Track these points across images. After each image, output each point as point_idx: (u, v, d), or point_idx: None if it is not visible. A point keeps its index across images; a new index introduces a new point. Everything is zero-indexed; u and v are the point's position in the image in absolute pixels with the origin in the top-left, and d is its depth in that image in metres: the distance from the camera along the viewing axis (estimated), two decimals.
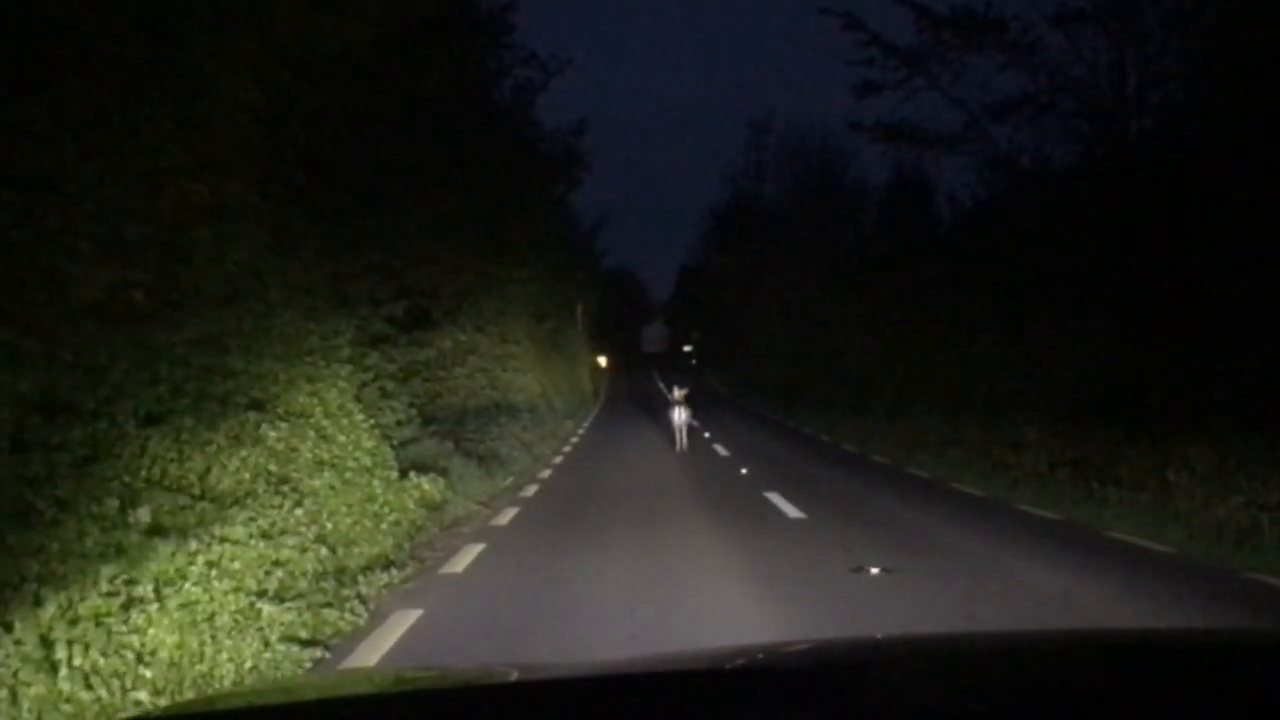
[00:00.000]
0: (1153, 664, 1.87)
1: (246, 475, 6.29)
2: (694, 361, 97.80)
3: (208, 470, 5.83)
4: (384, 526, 8.88)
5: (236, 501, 5.99)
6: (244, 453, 6.40)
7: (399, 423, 12.43)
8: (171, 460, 5.42)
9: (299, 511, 6.85)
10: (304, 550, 6.47)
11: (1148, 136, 17.72)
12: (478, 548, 9.77)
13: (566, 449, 22.89)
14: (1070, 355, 18.35)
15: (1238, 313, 14.54)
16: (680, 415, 22.19)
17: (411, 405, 15.77)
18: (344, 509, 8.13)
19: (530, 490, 14.87)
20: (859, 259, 40.29)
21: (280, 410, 7.82)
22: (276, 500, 6.61)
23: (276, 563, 6.09)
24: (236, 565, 5.44)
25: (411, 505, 9.99)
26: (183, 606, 4.64)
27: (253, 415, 6.77)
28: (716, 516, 12.03)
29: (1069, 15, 18.21)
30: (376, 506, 9.05)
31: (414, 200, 15.59)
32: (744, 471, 17.52)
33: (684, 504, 13.32)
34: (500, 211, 21.62)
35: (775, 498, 13.58)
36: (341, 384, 9.62)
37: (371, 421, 10.36)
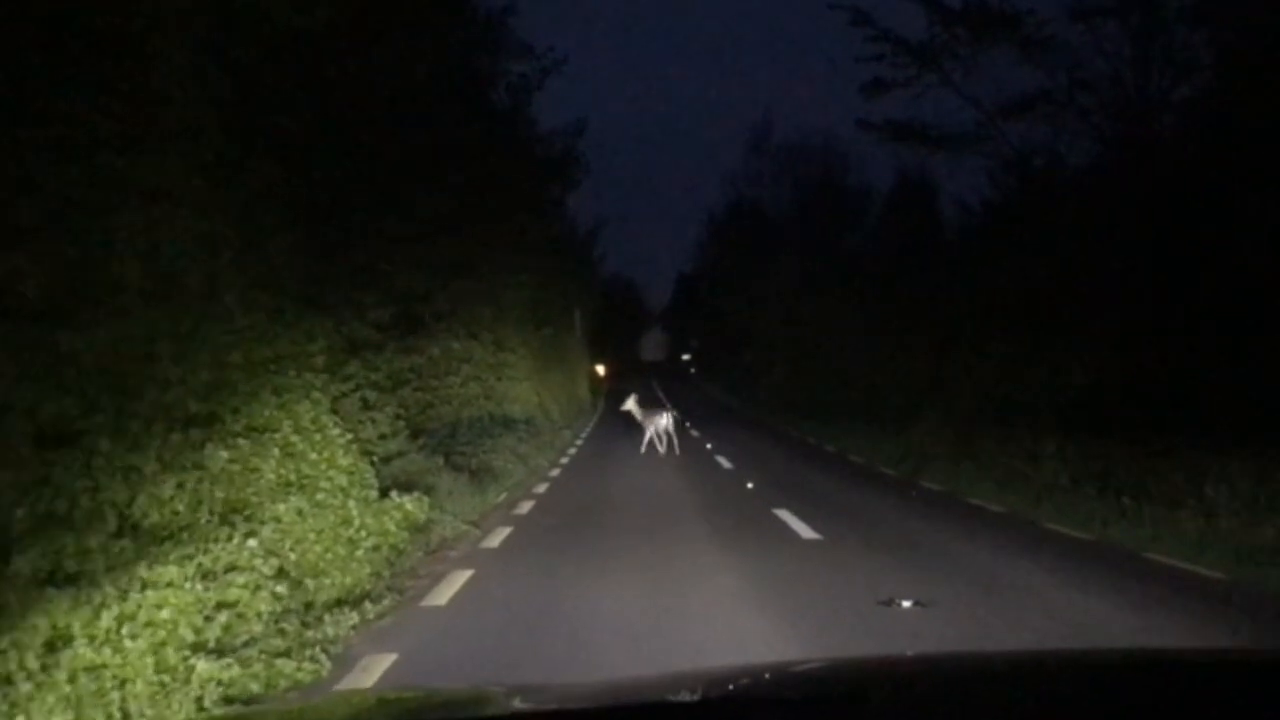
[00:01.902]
0: (1159, 682, 1.84)
1: (182, 505, 5.42)
2: (693, 370, 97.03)
3: (131, 501, 4.98)
4: (360, 553, 8.01)
5: (170, 536, 5.14)
6: (180, 478, 5.54)
7: (382, 436, 11.56)
8: (84, 491, 4.55)
9: (252, 543, 5.99)
10: (256, 589, 5.60)
11: (1175, 133, 16.88)
12: (465, 574, 8.91)
13: (564, 461, 22.01)
14: (1090, 364, 17.52)
15: (1275, 320, 13.72)
16: (663, 421, 22.64)
17: (399, 417, 14.90)
18: (312, 536, 7.27)
19: (525, 507, 13.99)
20: (862, 265, 39.50)
21: (240, 425, 6.96)
22: (223, 532, 5.76)
23: (222, 605, 5.24)
24: (165, 614, 4.59)
25: (393, 527, 9.11)
26: (85, 672, 3.79)
27: (195, 433, 5.90)
28: (725, 538, 11.16)
29: (1088, 8, 17.39)
30: (352, 531, 8.18)
31: (403, 200, 14.74)
32: (750, 486, 16.66)
33: (689, 522, 12.44)
34: (495, 214, 20.77)
35: (786, 515, 12.73)
36: (315, 395, 8.75)
37: (350, 436, 9.50)
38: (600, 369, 65.77)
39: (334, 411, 9.55)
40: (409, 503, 9.67)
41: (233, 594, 5.39)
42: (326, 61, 11.62)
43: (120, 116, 5.31)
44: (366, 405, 11.57)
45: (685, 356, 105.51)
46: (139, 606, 4.45)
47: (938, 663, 2.44)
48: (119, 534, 4.71)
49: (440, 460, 13.88)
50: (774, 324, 52.37)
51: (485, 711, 1.91)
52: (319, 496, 7.82)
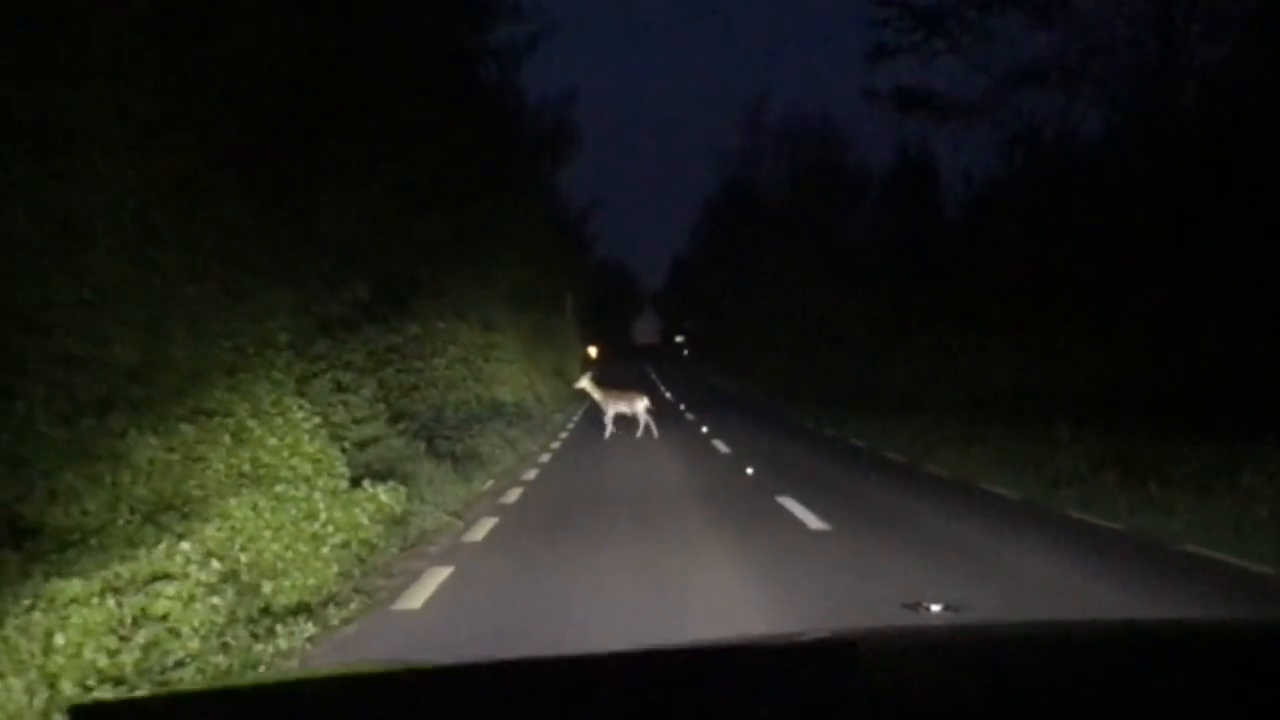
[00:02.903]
0: (1144, 653, 1.84)
1: (94, 504, 4.60)
2: (686, 353, 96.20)
3: (21, 499, 4.16)
4: (325, 551, 7.18)
5: (79, 542, 4.32)
6: (91, 470, 4.71)
7: (356, 420, 10.71)
8: None
9: (186, 545, 5.16)
10: (189, 601, 4.77)
11: (1200, 101, 15.99)
12: (444, 572, 8.10)
13: (555, 445, 21.18)
14: (1106, 348, 16.72)
15: None
16: (638, 405, 22.06)
17: (381, 400, 14.08)
18: (269, 533, 6.44)
19: (512, 495, 13.18)
20: (862, 246, 38.66)
21: (184, 409, 6.12)
22: (149, 534, 4.94)
23: (144, 617, 4.42)
24: (60, 640, 3.77)
25: (365, 520, 8.27)
26: None
27: (114, 418, 5.06)
28: (726, 529, 10.35)
29: None
30: (317, 526, 7.36)
31: (383, 172, 13.85)
32: (750, 472, 15.86)
33: (687, 512, 11.63)
34: (483, 189, 19.91)
35: (790, 504, 11.94)
36: (276, 375, 7.91)
37: (317, 420, 8.65)
38: (593, 351, 65.06)
39: (301, 394, 8.70)
40: (383, 493, 8.82)
41: (161, 606, 4.57)
42: (298, 21, 10.78)
43: (21, 46, 4.47)
44: (340, 387, 10.72)
45: (679, 339, 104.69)
46: (13, 631, 3.63)
47: (933, 633, 2.44)
48: (4, 541, 3.90)
49: (421, 446, 13.04)
50: (770, 306, 51.53)
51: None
52: (279, 488, 6.99)
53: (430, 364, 19.18)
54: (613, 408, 22.21)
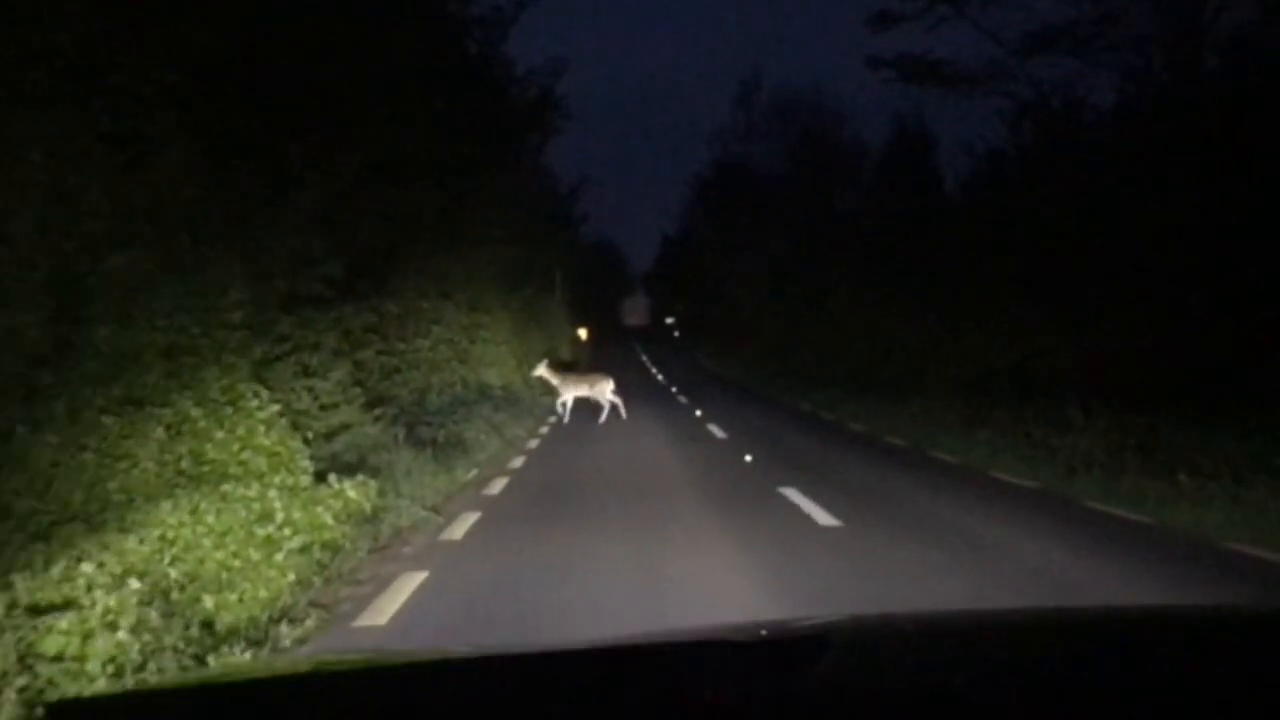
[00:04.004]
0: (1143, 640, 1.83)
1: None
2: (677, 334, 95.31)
3: None
4: (281, 558, 6.34)
5: None
6: None
7: (324, 407, 9.84)
8: None
9: (88, 567, 4.32)
10: (86, 635, 3.91)
11: (1223, 67, 15.12)
12: (417, 578, 7.26)
13: (543, 430, 20.32)
14: (1121, 329, 15.91)
15: None
16: (606, 390, 21.45)
17: (357, 384, 13.21)
18: (209, 541, 5.59)
19: (497, 486, 12.34)
20: (857, 222, 37.77)
21: (109, 398, 5.25)
22: (37, 553, 4.09)
23: (32, 655, 3.58)
24: None
25: (329, 520, 7.41)
26: None
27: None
28: (729, 526, 9.53)
29: None
30: (272, 528, 6.51)
31: (359, 137, 12.92)
32: (748, 459, 15.05)
33: (685, 506, 10.80)
34: (468, 160, 18.97)
35: (795, 496, 11.14)
36: (230, 359, 7.03)
37: (276, 408, 7.78)
38: (583, 333, 64.18)
39: (260, 379, 7.82)
40: (351, 488, 7.95)
41: (51, 644, 3.74)
42: None
43: None
44: (306, 371, 9.83)
45: (669, 320, 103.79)
46: None
47: (920, 620, 2.33)
48: None
49: (400, 433, 12.17)
50: (763, 286, 50.68)
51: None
52: (226, 487, 6.14)
53: (413, 345, 18.32)
54: (570, 391, 21.45)
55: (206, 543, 5.54)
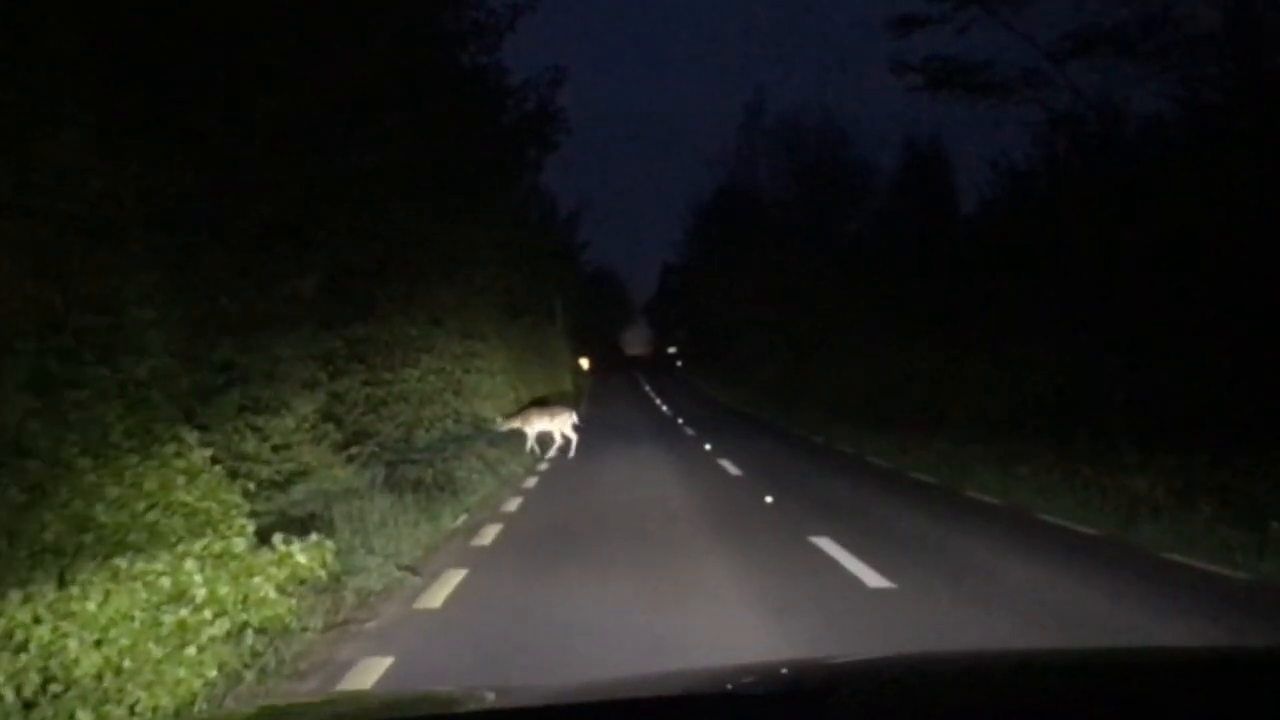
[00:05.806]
0: (1160, 682, 1.78)
1: None
2: (679, 364, 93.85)
3: None
4: (193, 651, 4.85)
5: None
6: None
7: (276, 448, 8.36)
8: None
9: None
10: None
11: None
12: (379, 665, 5.79)
13: (543, 467, 18.82)
14: (1172, 359, 14.43)
15: None
16: (567, 424, 20.69)
17: (331, 419, 11.75)
18: (87, 634, 4.12)
19: (489, 535, 10.84)
20: (868, 247, 36.39)
21: None
22: None
23: None
24: None
25: (271, 593, 5.92)
26: None
27: None
28: (758, 589, 8.01)
29: None
30: (185, 612, 5.03)
31: (337, 139, 11.53)
32: (769, 500, 13.56)
33: (703, 561, 9.29)
34: (458, 177, 17.62)
35: (830, 547, 9.66)
36: (142, 392, 5.58)
37: (208, 452, 6.33)
38: (584, 363, 62.79)
39: (190, 417, 6.36)
40: (301, 552, 6.45)
41: None
42: None
43: None
44: (256, 406, 8.35)
45: (671, 350, 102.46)
46: None
47: (923, 662, 2.30)
48: None
49: (379, 474, 10.66)
50: (768, 315, 49.26)
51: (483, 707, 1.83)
52: (120, 561, 4.65)
53: (400, 375, 16.86)
54: (533, 427, 20.39)
55: (76, 641, 4.09)
